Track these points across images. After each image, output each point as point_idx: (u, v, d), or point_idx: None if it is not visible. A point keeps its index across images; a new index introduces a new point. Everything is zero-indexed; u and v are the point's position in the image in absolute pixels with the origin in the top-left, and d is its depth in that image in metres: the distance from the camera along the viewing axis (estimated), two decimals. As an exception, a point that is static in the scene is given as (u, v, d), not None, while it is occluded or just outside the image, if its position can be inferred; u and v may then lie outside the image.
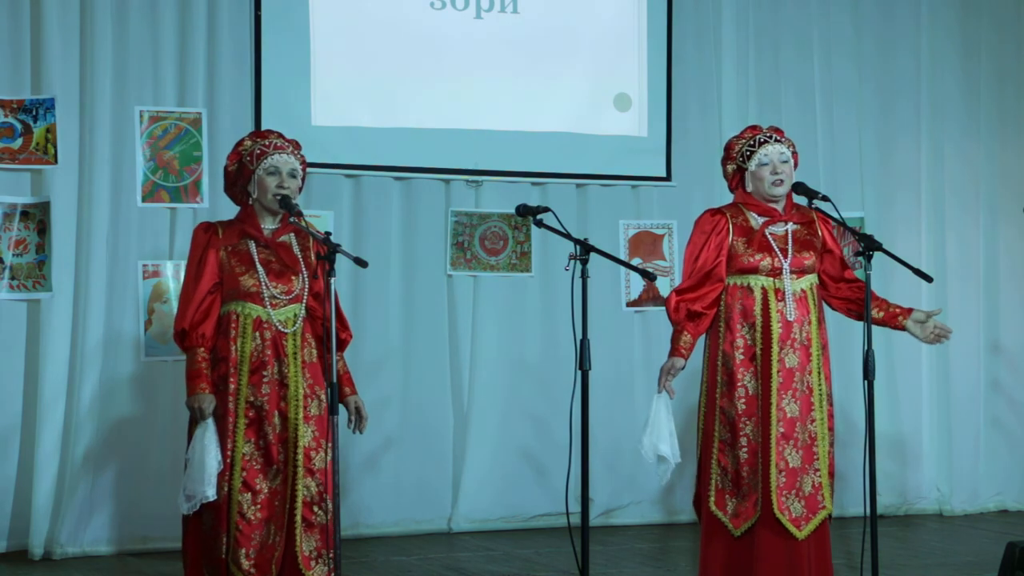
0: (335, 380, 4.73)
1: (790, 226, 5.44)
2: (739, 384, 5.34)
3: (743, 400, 5.34)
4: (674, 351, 5.34)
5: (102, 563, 6.76)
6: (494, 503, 7.71)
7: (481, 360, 7.73)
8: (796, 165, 5.52)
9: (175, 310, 6.89)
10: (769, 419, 5.28)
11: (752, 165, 5.40)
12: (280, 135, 5.19)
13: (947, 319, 8.48)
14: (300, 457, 4.95)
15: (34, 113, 6.85)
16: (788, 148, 5.45)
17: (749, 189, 5.43)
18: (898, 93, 8.50)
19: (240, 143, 5.17)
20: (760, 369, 5.33)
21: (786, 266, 5.36)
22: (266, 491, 4.95)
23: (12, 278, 6.84)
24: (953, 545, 7.39)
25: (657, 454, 5.30)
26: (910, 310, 5.47)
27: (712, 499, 5.38)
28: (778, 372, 5.31)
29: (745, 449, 5.33)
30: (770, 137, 5.44)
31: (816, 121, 8.31)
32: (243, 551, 4.90)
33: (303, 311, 5.04)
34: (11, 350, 6.94)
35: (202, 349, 4.96)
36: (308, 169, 7.04)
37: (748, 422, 5.33)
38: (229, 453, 4.92)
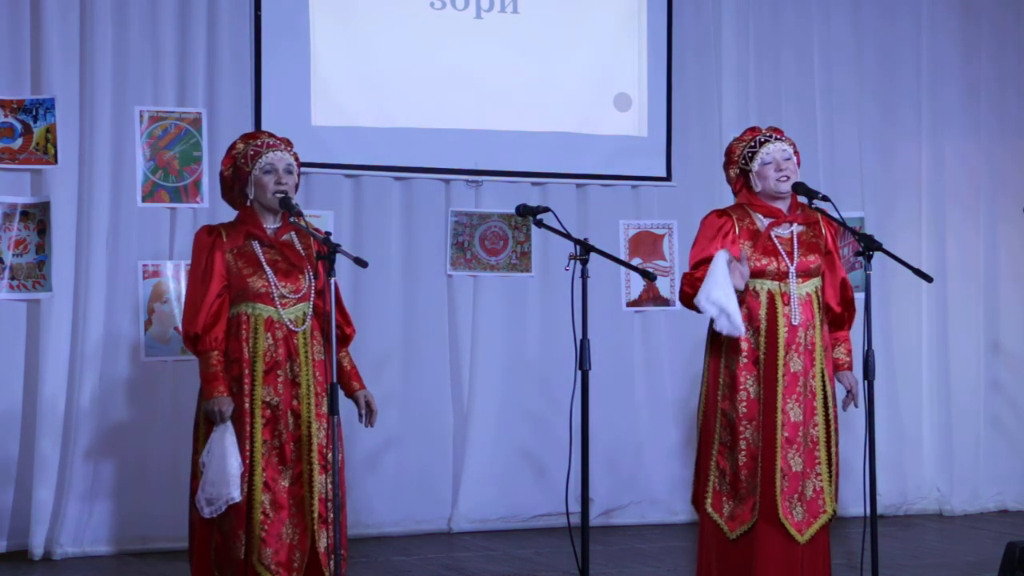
0: (335, 380, 4.74)
1: (795, 227, 5.43)
2: (741, 387, 5.33)
3: (744, 404, 5.33)
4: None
5: (102, 563, 6.76)
6: (494, 503, 7.71)
7: (481, 360, 7.73)
8: (799, 164, 5.51)
9: (175, 311, 6.93)
10: (773, 423, 5.28)
11: (755, 165, 5.39)
12: (271, 134, 5.19)
13: (947, 319, 8.48)
14: (315, 454, 4.96)
15: (34, 113, 6.85)
16: (789, 146, 5.45)
17: (757, 190, 5.41)
18: (898, 93, 8.50)
19: (232, 147, 5.16)
20: (764, 373, 5.32)
21: (792, 269, 5.35)
22: (283, 490, 4.96)
23: (12, 278, 6.84)
24: (953, 545, 7.39)
25: (712, 301, 5.16)
26: (846, 366, 5.50)
27: (709, 501, 5.37)
28: (783, 376, 5.30)
29: (744, 452, 5.32)
30: (770, 136, 5.44)
31: (816, 121, 8.31)
32: (270, 551, 4.90)
33: (311, 309, 5.05)
34: (11, 350, 6.94)
35: (216, 352, 4.95)
36: (308, 169, 7.11)
37: (748, 425, 5.32)
38: (248, 454, 4.93)
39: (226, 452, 4.86)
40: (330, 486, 4.94)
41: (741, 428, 5.32)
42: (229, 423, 4.90)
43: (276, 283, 5.00)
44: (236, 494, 4.85)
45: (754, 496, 5.29)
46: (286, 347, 4.99)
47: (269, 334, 4.98)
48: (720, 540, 5.36)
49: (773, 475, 5.26)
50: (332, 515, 4.91)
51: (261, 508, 4.92)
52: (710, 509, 5.36)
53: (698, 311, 5.33)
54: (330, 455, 4.88)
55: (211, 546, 4.98)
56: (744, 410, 5.32)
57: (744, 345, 5.34)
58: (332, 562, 4.89)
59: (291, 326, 5.00)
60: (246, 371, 4.96)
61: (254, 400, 4.95)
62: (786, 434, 5.28)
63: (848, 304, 5.50)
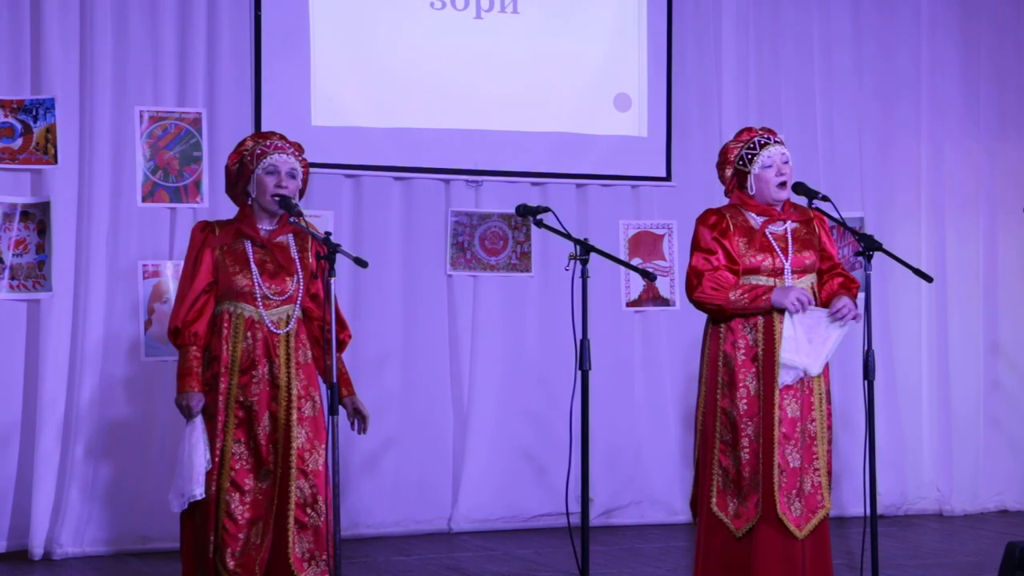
0: (335, 381, 4.73)
1: (789, 225, 5.45)
2: (741, 384, 5.34)
3: (745, 401, 5.33)
4: (771, 289, 5.28)
5: (102, 563, 6.77)
6: (494, 503, 7.71)
7: (481, 360, 7.73)
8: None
9: (175, 310, 6.94)
10: (771, 419, 5.28)
11: (756, 168, 5.39)
12: (282, 137, 5.21)
13: (947, 319, 8.48)
14: (293, 458, 4.95)
15: (34, 113, 6.85)
16: (785, 148, 5.46)
17: (752, 193, 5.41)
18: (898, 93, 8.50)
19: (242, 143, 5.19)
20: (763, 369, 5.33)
21: (787, 266, 5.36)
22: (256, 491, 4.96)
23: (12, 278, 6.84)
24: (953, 545, 7.39)
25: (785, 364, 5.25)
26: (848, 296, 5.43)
27: (713, 500, 5.37)
28: (779, 372, 5.31)
29: (747, 450, 5.32)
30: (768, 139, 5.44)
31: (816, 121, 8.31)
32: (228, 551, 4.90)
33: (297, 312, 5.05)
34: (11, 350, 6.94)
35: (194, 347, 4.97)
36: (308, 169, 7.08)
37: (750, 423, 5.33)
38: (218, 452, 4.93)
39: (193, 448, 4.89)
40: (309, 491, 4.95)
41: (743, 425, 5.32)
42: (199, 419, 4.92)
43: (260, 283, 5.00)
44: (199, 491, 4.87)
45: (758, 493, 5.30)
46: (265, 348, 4.99)
47: (249, 334, 4.98)
48: (725, 539, 5.35)
49: (771, 471, 5.27)
50: (312, 520, 4.92)
51: (225, 507, 4.92)
52: (715, 508, 5.35)
53: (704, 310, 5.37)
54: (324, 457, 4.89)
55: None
56: (745, 407, 5.33)
57: (742, 342, 5.35)
58: (310, 568, 4.91)
59: (272, 327, 5.00)
60: (223, 370, 4.97)
61: (228, 399, 4.96)
62: (783, 430, 5.29)
63: (849, 277, 5.48)
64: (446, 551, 7.12)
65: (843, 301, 5.32)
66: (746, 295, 5.29)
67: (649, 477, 7.98)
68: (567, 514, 5.51)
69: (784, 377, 5.28)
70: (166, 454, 6.93)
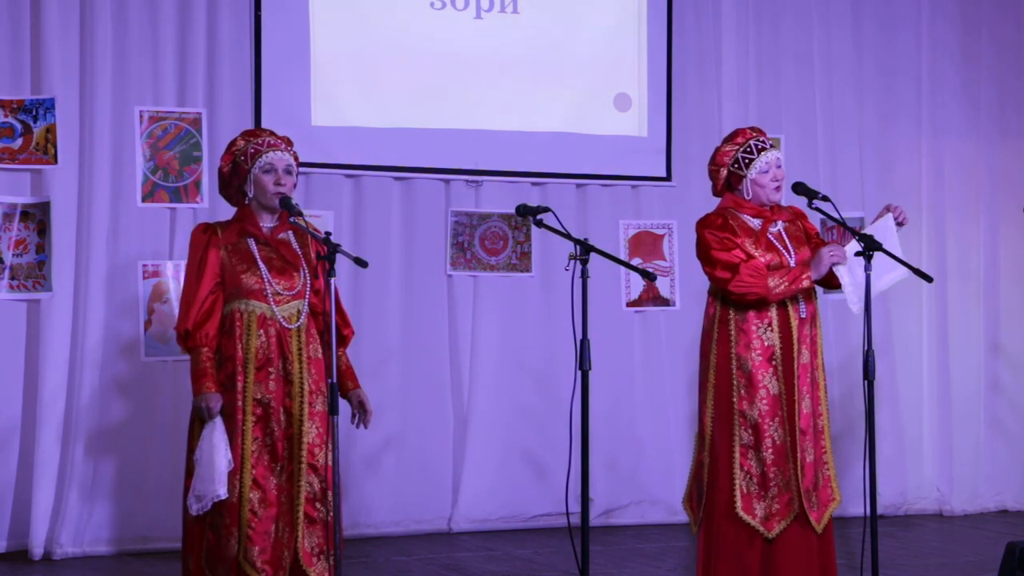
0: (335, 379, 4.73)
1: (781, 224, 5.47)
2: (761, 386, 5.32)
3: (765, 402, 5.32)
4: (806, 267, 5.32)
5: (102, 563, 6.77)
6: (494, 503, 7.71)
7: (481, 360, 7.73)
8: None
9: (175, 310, 6.93)
10: (794, 417, 5.29)
11: (753, 173, 5.40)
12: (272, 132, 5.20)
13: (947, 319, 8.48)
14: (304, 453, 4.95)
15: (34, 113, 6.85)
16: (779, 150, 5.48)
17: (748, 196, 5.41)
18: (899, 93, 8.50)
19: (233, 143, 5.17)
20: (783, 368, 5.33)
21: (792, 263, 5.37)
22: (273, 488, 4.96)
23: (12, 278, 6.84)
24: (953, 545, 7.39)
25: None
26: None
27: (739, 505, 5.33)
28: (796, 369, 5.32)
29: (771, 451, 5.31)
30: (763, 143, 5.44)
31: (816, 121, 8.30)
32: (256, 548, 4.90)
33: (306, 307, 5.05)
34: (11, 350, 6.94)
35: (206, 349, 4.96)
36: (308, 169, 7.12)
37: (772, 423, 5.32)
38: (239, 451, 4.92)
39: (215, 449, 4.87)
40: (319, 486, 4.94)
41: (765, 426, 5.31)
42: (219, 420, 4.90)
43: (270, 280, 5.00)
44: (222, 491, 4.85)
45: (790, 491, 5.30)
46: (279, 344, 4.99)
47: (262, 331, 4.98)
48: (754, 543, 5.33)
49: (798, 469, 5.28)
50: (327, 514, 4.91)
51: (249, 506, 4.92)
52: (741, 513, 5.32)
53: (744, 301, 5.34)
54: (324, 455, 4.88)
55: (203, 546, 4.98)
56: (766, 408, 5.32)
57: (758, 343, 5.35)
58: (319, 562, 4.90)
59: (284, 323, 5.00)
60: (239, 369, 4.96)
61: (246, 398, 4.95)
62: (801, 426, 5.30)
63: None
64: (446, 551, 7.12)
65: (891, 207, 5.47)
66: (784, 278, 5.29)
67: (649, 477, 7.98)
68: (567, 514, 5.51)
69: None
70: (166, 454, 6.94)
